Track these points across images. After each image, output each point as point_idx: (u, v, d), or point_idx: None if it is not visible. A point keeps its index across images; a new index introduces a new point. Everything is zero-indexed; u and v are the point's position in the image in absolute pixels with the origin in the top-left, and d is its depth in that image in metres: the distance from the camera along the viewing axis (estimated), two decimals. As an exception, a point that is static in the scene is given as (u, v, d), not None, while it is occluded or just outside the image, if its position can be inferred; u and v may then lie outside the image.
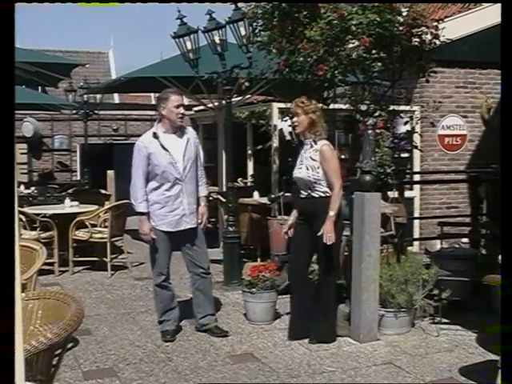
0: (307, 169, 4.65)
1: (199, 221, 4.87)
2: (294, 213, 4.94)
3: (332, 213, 4.52)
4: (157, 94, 21.92)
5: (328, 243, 4.51)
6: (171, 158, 4.70)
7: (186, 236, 4.83)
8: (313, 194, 4.68)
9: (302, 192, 4.75)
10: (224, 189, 7.48)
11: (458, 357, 4.42)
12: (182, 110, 4.72)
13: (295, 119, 4.74)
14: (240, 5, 6.20)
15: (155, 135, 4.74)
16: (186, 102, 4.90)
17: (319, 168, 4.61)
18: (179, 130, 4.82)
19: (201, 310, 4.97)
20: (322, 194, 4.65)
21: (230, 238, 6.59)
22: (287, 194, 7.06)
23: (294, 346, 4.67)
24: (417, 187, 8.30)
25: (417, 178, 8.03)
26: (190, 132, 4.92)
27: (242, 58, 6.41)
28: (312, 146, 4.68)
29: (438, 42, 5.49)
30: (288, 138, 8.25)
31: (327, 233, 4.50)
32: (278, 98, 7.90)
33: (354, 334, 4.77)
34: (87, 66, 14.15)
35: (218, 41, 6.50)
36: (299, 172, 4.71)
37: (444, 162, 8.53)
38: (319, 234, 4.51)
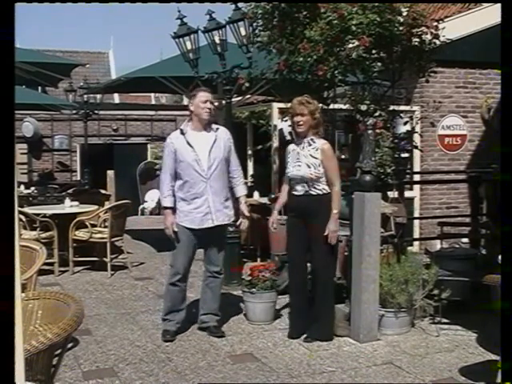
0: (308, 167, 4.66)
1: (241, 220, 5.00)
2: (278, 207, 4.99)
3: (335, 211, 4.64)
4: (156, 94, 21.71)
5: (333, 243, 4.62)
6: (195, 155, 4.72)
7: (210, 234, 4.85)
8: (311, 192, 4.70)
9: (297, 189, 4.73)
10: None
11: (458, 357, 4.42)
12: (208, 105, 4.77)
13: (300, 118, 4.69)
14: (240, 5, 6.21)
15: (182, 131, 4.79)
16: (215, 103, 4.92)
17: (320, 166, 4.65)
18: (208, 128, 4.83)
19: (205, 307, 5.00)
20: (320, 192, 4.68)
21: (230, 237, 6.57)
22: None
23: (294, 346, 4.67)
24: (417, 187, 8.29)
25: (417, 177, 8.03)
26: (222, 131, 4.90)
27: (242, 58, 6.41)
28: (310, 145, 4.71)
29: (438, 42, 5.48)
30: (288, 137, 8.25)
31: (333, 232, 4.61)
32: (277, 98, 7.90)
33: (354, 334, 4.77)
34: (87, 66, 14.16)
35: (218, 41, 6.50)
36: (298, 170, 4.71)
37: (444, 161, 8.53)
38: (325, 233, 4.59)
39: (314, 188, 4.68)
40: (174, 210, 4.80)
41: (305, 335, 4.77)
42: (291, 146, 4.87)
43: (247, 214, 5.01)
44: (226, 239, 5.03)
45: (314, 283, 4.81)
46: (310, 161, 4.67)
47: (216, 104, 8.82)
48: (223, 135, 4.89)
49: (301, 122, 4.69)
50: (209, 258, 4.95)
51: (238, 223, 5.13)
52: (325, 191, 4.68)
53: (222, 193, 4.87)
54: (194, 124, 4.82)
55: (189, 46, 6.81)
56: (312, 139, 4.72)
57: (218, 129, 4.88)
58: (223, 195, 4.87)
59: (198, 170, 4.72)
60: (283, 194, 4.95)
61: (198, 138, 4.78)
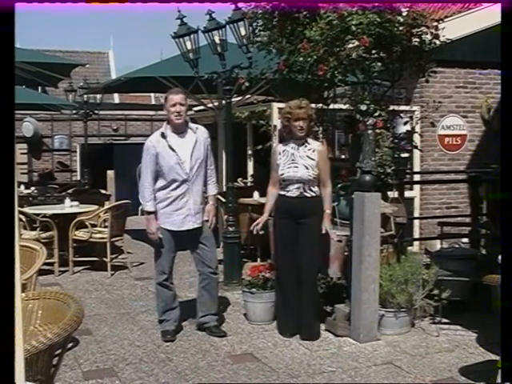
0: (306, 168, 4.68)
1: (206, 219, 4.88)
2: (269, 209, 4.94)
3: (329, 211, 4.76)
4: (156, 94, 21.71)
5: (336, 239, 4.82)
6: (178, 158, 4.70)
7: (193, 235, 4.82)
8: (305, 194, 4.72)
9: (292, 191, 4.74)
10: (224, 189, 7.47)
11: (458, 357, 4.42)
12: (177, 108, 4.69)
13: (302, 123, 4.71)
14: (240, 5, 6.20)
15: (163, 135, 4.75)
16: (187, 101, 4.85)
17: (316, 167, 4.69)
18: (187, 130, 4.80)
19: (204, 309, 4.98)
20: (314, 194, 4.74)
21: (230, 237, 6.59)
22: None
23: (294, 346, 4.67)
24: (417, 187, 8.29)
25: (417, 178, 8.03)
26: (201, 131, 4.87)
27: (242, 58, 6.41)
28: (305, 146, 4.73)
29: (437, 42, 5.48)
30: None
31: (331, 229, 4.77)
32: (277, 98, 7.90)
33: (354, 334, 4.77)
34: (87, 66, 14.16)
35: (218, 41, 6.50)
36: (294, 171, 4.71)
37: (444, 161, 8.53)
38: (323, 232, 4.70)
39: (310, 190, 4.72)
40: (156, 213, 4.76)
41: (297, 335, 4.79)
42: (281, 147, 4.88)
43: (212, 218, 4.89)
44: (212, 239, 4.94)
45: (300, 283, 4.80)
46: (307, 162, 4.70)
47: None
48: (202, 135, 4.85)
49: (303, 127, 4.72)
50: (201, 261, 4.90)
51: (206, 218, 4.93)
52: (318, 193, 4.76)
53: (202, 194, 4.88)
54: (171, 127, 4.78)
55: (189, 46, 6.81)
56: (306, 140, 4.78)
57: (197, 128, 4.86)
58: (202, 196, 4.89)
59: (180, 172, 4.70)
60: (272, 195, 4.92)
61: (179, 140, 4.75)
